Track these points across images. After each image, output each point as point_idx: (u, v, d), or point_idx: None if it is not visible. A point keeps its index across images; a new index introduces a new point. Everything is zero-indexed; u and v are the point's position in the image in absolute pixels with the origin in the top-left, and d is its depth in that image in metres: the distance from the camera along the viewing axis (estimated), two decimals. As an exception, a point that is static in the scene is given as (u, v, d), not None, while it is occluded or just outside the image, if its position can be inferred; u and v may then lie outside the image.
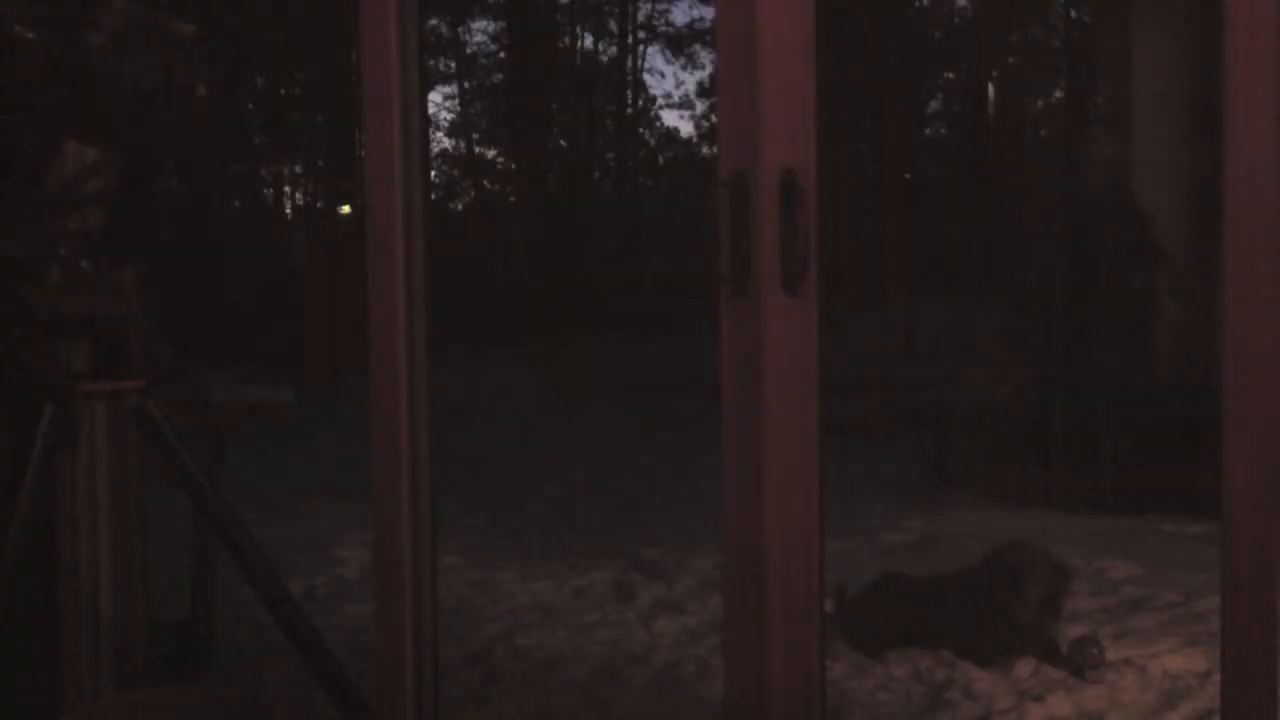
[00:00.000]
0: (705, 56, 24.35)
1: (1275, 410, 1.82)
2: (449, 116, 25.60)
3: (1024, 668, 3.64)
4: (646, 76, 26.46)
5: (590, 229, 23.08)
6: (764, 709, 2.11)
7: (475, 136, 25.42)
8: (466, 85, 25.11)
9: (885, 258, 14.13)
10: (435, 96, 27.36)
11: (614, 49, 25.50)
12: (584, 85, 24.58)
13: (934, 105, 18.03)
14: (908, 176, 16.60)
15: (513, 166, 25.38)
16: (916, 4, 16.32)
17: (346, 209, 21.97)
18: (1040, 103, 18.13)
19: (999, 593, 3.79)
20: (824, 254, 2.12)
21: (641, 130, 25.77)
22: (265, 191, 22.59)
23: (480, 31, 29.51)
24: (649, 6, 25.44)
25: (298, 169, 23.45)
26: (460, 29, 24.74)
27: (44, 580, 2.41)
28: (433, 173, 24.32)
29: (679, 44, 25.11)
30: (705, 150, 24.11)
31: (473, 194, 25.74)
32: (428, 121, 3.54)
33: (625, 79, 25.32)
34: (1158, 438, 6.59)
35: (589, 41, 25.34)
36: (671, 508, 6.42)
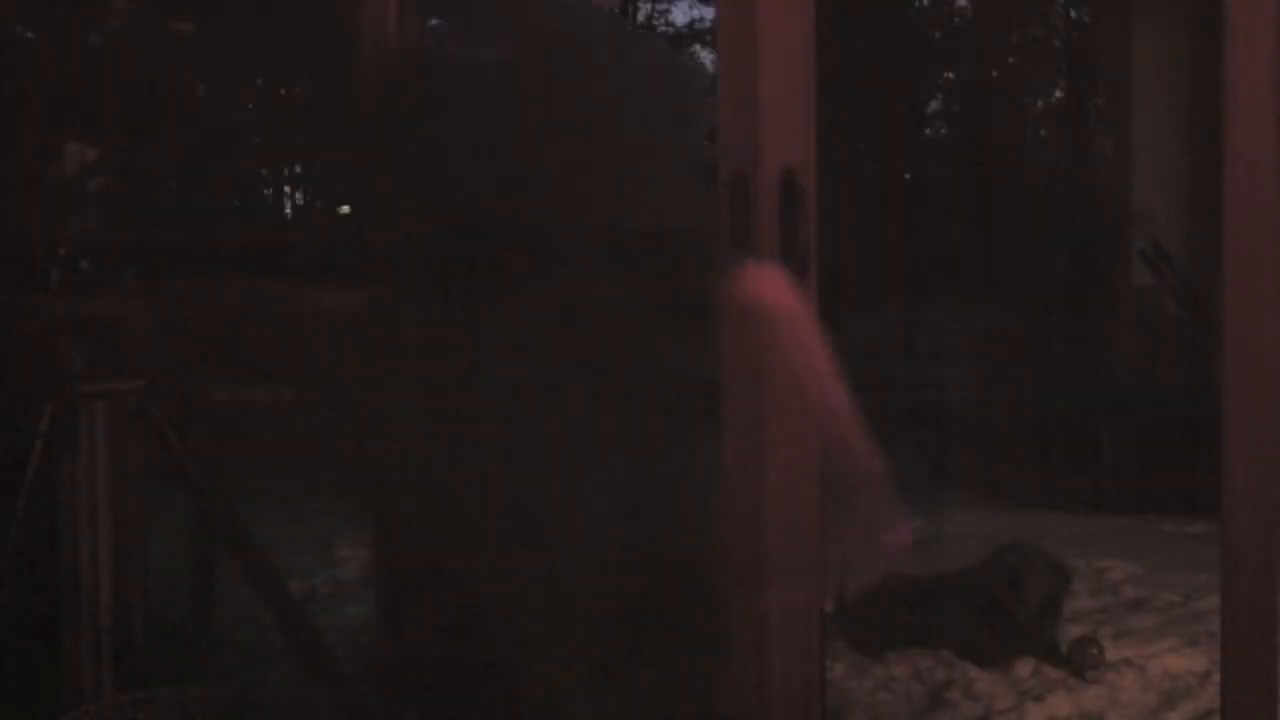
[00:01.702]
0: (705, 56, 24.38)
1: (1275, 410, 1.82)
2: (449, 116, 25.60)
3: (1024, 668, 3.63)
4: (647, 76, 26.41)
5: (590, 229, 23.07)
6: (764, 709, 2.11)
7: (475, 136, 25.43)
8: (467, 85, 25.11)
9: (885, 258, 14.10)
10: (435, 96, 27.37)
11: (614, 49, 25.49)
12: (584, 85, 24.57)
13: (934, 105, 18.01)
14: (908, 176, 16.59)
15: (513, 166, 25.37)
16: (916, 4, 16.32)
17: (347, 209, 21.98)
18: (1040, 103, 18.12)
19: (999, 593, 3.79)
20: (824, 254, 2.12)
21: (641, 130, 25.75)
22: (265, 191, 22.59)
23: (480, 31, 29.37)
24: (649, 6, 25.45)
25: (298, 169, 23.45)
26: (460, 29, 24.74)
27: (44, 580, 2.41)
28: (433, 173, 24.32)
29: (679, 44, 25.11)
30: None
31: (474, 194, 25.73)
32: (428, 121, 3.51)
33: (625, 79, 25.31)
34: (1158, 438, 6.59)
35: (589, 41, 25.33)
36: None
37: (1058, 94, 17.91)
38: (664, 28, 25.26)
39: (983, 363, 8.32)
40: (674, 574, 1.19)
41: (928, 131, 18.03)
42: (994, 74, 15.46)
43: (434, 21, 1.65)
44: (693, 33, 24.76)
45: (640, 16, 25.18)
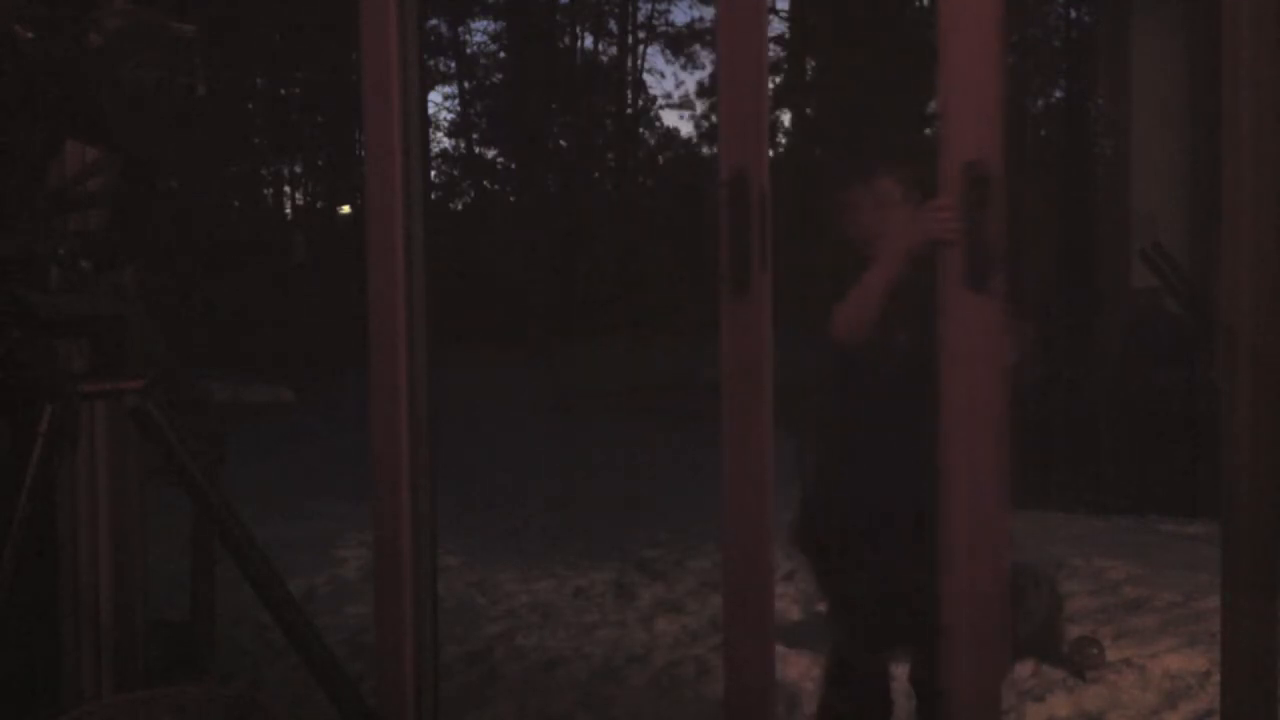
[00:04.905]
0: (705, 56, 24.39)
1: (1276, 408, 1.82)
2: (449, 116, 25.65)
3: (1024, 668, 3.64)
4: (646, 76, 26.47)
5: (590, 229, 23.08)
6: (764, 709, 2.11)
7: (475, 136, 25.46)
8: (466, 85, 25.15)
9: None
10: (435, 96, 27.43)
11: (614, 49, 25.53)
12: (584, 85, 24.59)
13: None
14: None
15: (512, 166, 25.39)
16: (916, 4, 16.32)
17: (346, 209, 21.98)
18: (1040, 103, 18.13)
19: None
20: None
21: (641, 130, 25.79)
22: (265, 191, 22.62)
23: (480, 31, 29.39)
24: (649, 6, 25.48)
25: (298, 169, 23.47)
26: (460, 29, 24.78)
27: (44, 580, 2.41)
28: (433, 173, 24.33)
29: (679, 44, 25.15)
30: (705, 150, 24.13)
31: (473, 194, 25.75)
32: (428, 121, 3.53)
33: (625, 79, 25.35)
34: (1158, 438, 6.60)
35: (589, 41, 25.37)
36: (671, 508, 6.42)
37: (1058, 94, 17.92)
38: (664, 28, 25.30)
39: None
40: None
41: (928, 132, 18.02)
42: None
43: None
44: (693, 33, 24.80)
45: (640, 16, 25.20)
